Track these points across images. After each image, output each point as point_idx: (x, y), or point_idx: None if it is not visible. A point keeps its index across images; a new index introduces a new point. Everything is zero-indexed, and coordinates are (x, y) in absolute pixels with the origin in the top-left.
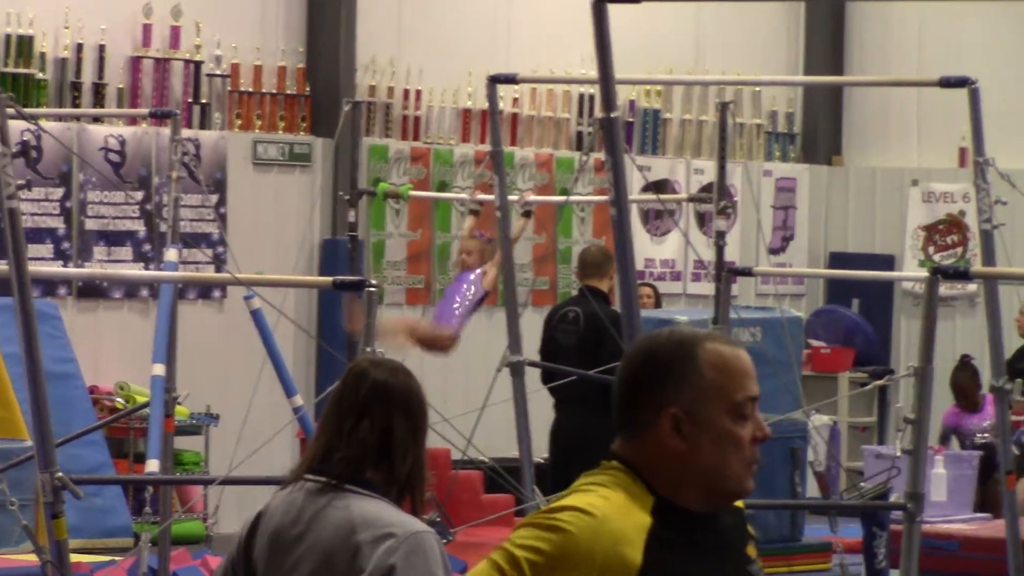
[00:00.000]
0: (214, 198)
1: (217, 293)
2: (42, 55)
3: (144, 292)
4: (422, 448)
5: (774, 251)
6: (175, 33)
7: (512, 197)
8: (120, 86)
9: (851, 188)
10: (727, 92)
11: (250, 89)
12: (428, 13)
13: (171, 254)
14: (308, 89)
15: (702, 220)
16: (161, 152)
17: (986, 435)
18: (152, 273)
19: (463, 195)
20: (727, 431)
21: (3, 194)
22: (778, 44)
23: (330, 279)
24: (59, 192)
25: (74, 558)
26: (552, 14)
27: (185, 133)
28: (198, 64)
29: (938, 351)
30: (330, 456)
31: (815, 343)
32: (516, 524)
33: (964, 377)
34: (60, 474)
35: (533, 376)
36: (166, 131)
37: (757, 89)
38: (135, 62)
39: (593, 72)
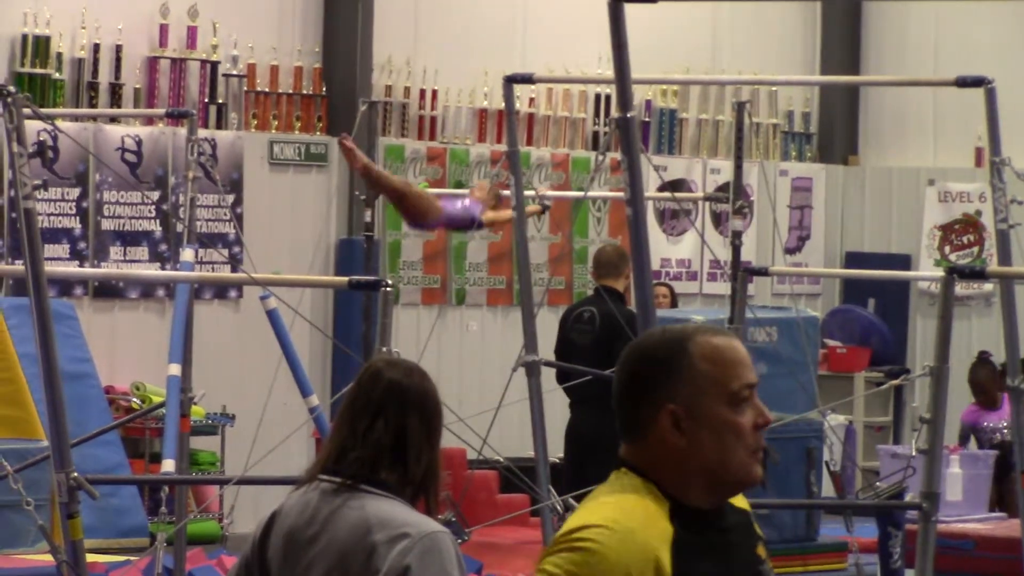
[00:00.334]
0: (230, 198)
1: (233, 293)
2: (59, 55)
3: (160, 292)
4: (437, 449)
5: (790, 251)
6: (192, 33)
7: (529, 193)
8: (137, 86)
9: (867, 188)
10: (743, 92)
11: (266, 89)
12: (444, 13)
13: (187, 254)
14: (324, 89)
15: (718, 220)
16: (177, 152)
17: (1005, 431)
18: (168, 273)
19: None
20: (726, 421)
21: (19, 194)
22: (794, 44)
23: (346, 279)
24: (75, 192)
25: (90, 558)
26: (568, 14)
27: (201, 133)
28: (215, 64)
29: (954, 351)
30: (344, 456)
31: (831, 343)
32: (541, 553)
33: (983, 373)
34: (76, 474)
35: (548, 376)
36: (182, 131)
37: (773, 89)
38: (152, 62)
39: (609, 72)
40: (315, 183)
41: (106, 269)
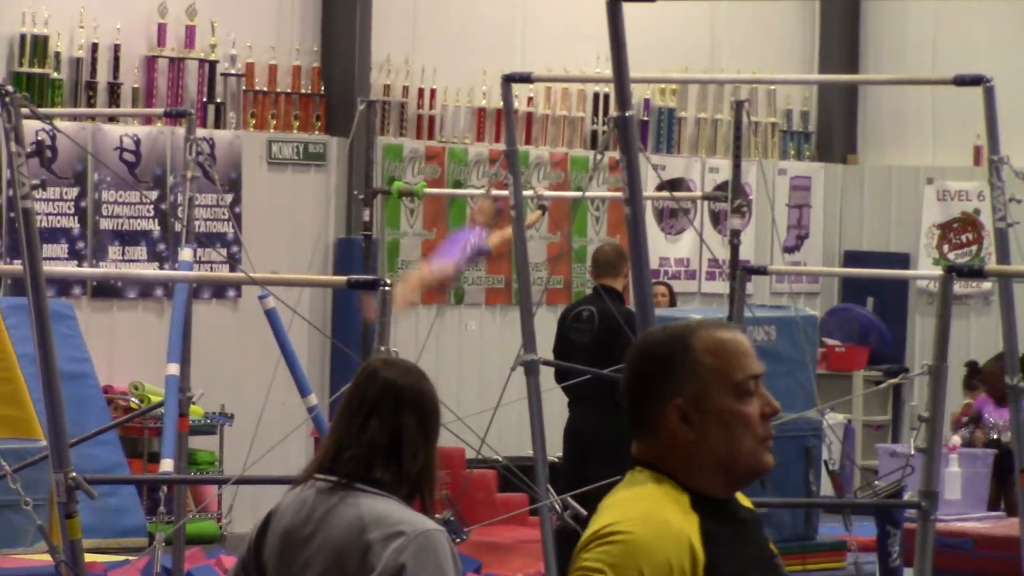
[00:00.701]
0: (229, 197)
1: (232, 292)
2: (57, 55)
3: (159, 292)
4: (433, 448)
5: (789, 250)
6: (190, 33)
7: (527, 192)
8: (135, 86)
9: (866, 186)
10: (742, 91)
11: (265, 88)
12: (443, 12)
13: (186, 254)
14: (323, 88)
15: (717, 219)
16: (176, 152)
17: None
18: (167, 273)
19: (478, 191)
20: (733, 411)
21: (18, 194)
22: (793, 43)
23: (344, 278)
24: (74, 192)
25: (88, 558)
26: (567, 13)
27: (200, 133)
28: (213, 64)
29: (952, 350)
30: (340, 455)
31: (830, 342)
32: (574, 555)
33: (995, 367)
34: (74, 474)
35: (547, 375)
36: (181, 131)
37: (772, 88)
38: (150, 62)
39: (608, 71)
40: (313, 182)
41: (104, 269)
